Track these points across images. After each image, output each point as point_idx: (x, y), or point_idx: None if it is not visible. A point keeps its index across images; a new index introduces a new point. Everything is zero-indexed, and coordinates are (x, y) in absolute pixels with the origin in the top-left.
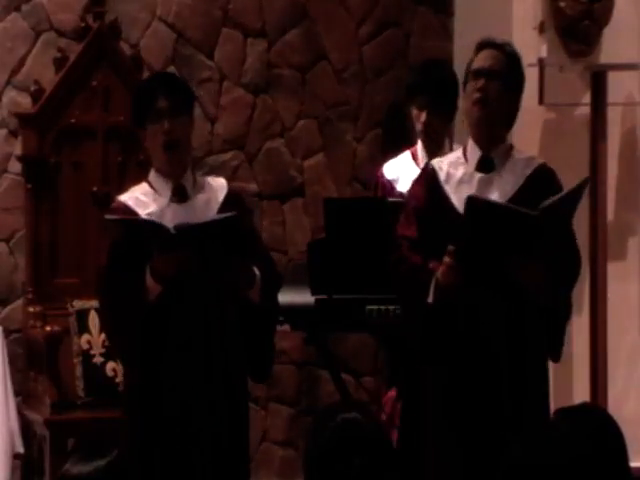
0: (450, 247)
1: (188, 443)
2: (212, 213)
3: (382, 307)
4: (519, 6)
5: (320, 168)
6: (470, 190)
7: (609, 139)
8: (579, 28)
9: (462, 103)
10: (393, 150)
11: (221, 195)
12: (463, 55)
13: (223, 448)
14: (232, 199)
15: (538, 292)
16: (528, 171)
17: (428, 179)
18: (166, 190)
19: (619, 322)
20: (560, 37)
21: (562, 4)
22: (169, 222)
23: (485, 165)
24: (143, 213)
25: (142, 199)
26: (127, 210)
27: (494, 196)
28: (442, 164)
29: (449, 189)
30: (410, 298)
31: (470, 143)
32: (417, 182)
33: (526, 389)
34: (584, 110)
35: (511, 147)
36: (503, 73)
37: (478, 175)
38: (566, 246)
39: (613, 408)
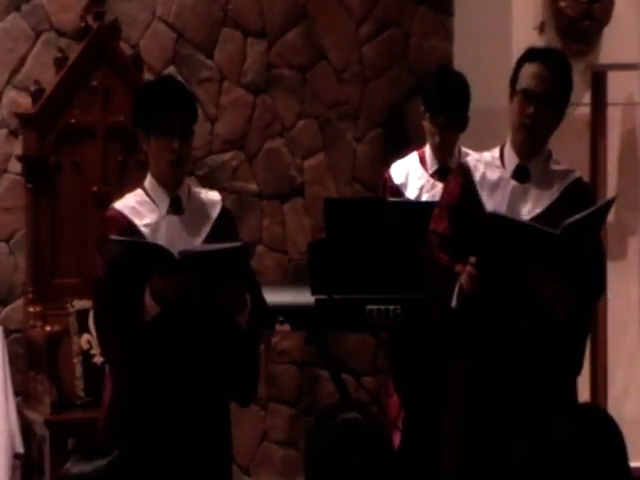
0: (472, 258)
1: (173, 462)
2: (206, 228)
3: (382, 307)
4: (519, 6)
5: (320, 168)
6: (503, 197)
7: (609, 139)
8: (579, 28)
9: (510, 110)
10: (393, 150)
11: (215, 211)
12: (463, 55)
13: (206, 459)
14: (225, 216)
15: (556, 305)
16: (563, 185)
17: (463, 177)
18: (163, 201)
19: (619, 322)
20: (560, 37)
21: (562, 4)
22: (163, 234)
23: (521, 174)
24: (140, 224)
25: (138, 209)
26: (123, 220)
27: (527, 207)
28: (479, 164)
29: (483, 192)
30: (434, 299)
31: (508, 147)
32: (453, 178)
33: (547, 394)
34: (584, 110)
35: (549, 155)
36: (555, 97)
37: (513, 183)
38: (591, 262)
39: (613, 408)
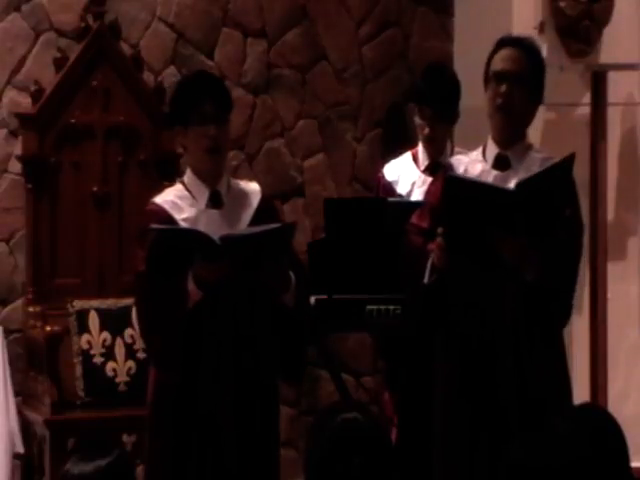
0: (439, 229)
1: (216, 445)
2: (246, 220)
3: (382, 307)
4: (519, 6)
5: (320, 168)
6: None
7: (609, 139)
8: (579, 28)
9: (486, 103)
10: (393, 150)
11: (255, 202)
12: (463, 55)
13: (251, 455)
14: (265, 206)
15: (523, 267)
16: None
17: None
18: (203, 195)
19: (619, 322)
20: (560, 37)
21: (562, 4)
22: (203, 228)
23: (501, 163)
24: (179, 218)
25: (178, 203)
26: (163, 214)
27: None
28: (461, 161)
29: None
30: (409, 280)
31: (489, 142)
32: (437, 179)
33: (534, 378)
34: (584, 110)
35: (530, 145)
36: (526, 76)
37: (494, 172)
38: (566, 232)
39: (613, 408)
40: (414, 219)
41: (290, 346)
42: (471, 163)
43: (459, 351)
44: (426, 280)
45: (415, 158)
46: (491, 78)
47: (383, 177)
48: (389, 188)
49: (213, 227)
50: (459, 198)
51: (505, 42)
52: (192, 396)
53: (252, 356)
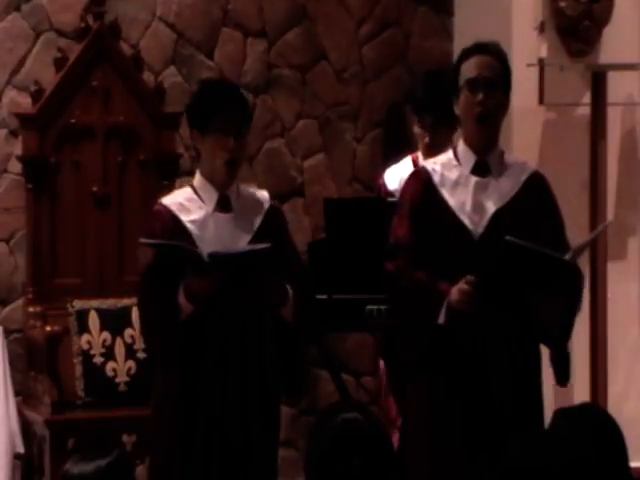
0: (469, 277)
1: (218, 454)
2: (253, 228)
3: (382, 307)
4: (519, 6)
5: (320, 168)
6: (467, 193)
7: (609, 139)
8: (579, 28)
9: (459, 111)
10: (394, 150)
11: (263, 210)
12: None
13: (253, 462)
14: (273, 214)
15: (554, 327)
16: (524, 177)
17: (422, 181)
18: (211, 199)
19: (619, 322)
20: (560, 37)
21: (562, 4)
22: (211, 231)
23: (481, 169)
24: (186, 219)
25: (186, 205)
26: (169, 215)
27: (492, 200)
28: (435, 166)
29: (445, 191)
30: (416, 317)
31: (462, 146)
32: (411, 183)
33: (520, 398)
34: (584, 110)
35: (502, 152)
36: (499, 81)
37: (474, 178)
38: (573, 278)
39: (613, 408)
40: (395, 230)
41: (289, 361)
42: (446, 168)
43: (449, 360)
44: (442, 320)
45: (416, 163)
46: (464, 87)
47: (384, 185)
48: (391, 197)
49: (222, 231)
50: (511, 261)
51: (475, 49)
52: (195, 401)
53: (258, 367)
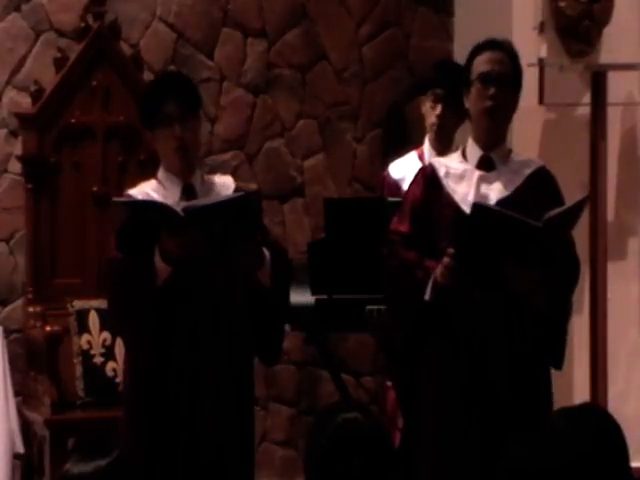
0: (449, 249)
1: (191, 430)
2: None
3: (382, 307)
4: (519, 6)
5: (320, 168)
6: (470, 185)
7: (609, 139)
8: (579, 28)
9: (469, 105)
10: (393, 150)
11: (228, 192)
12: (463, 55)
13: (227, 439)
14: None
15: (532, 298)
16: (528, 171)
17: (427, 175)
18: (175, 189)
19: (619, 322)
20: (560, 37)
21: (562, 4)
22: None
23: (486, 163)
24: None
25: (152, 195)
26: None
27: (494, 192)
28: (441, 162)
29: (449, 183)
30: (403, 294)
31: (470, 143)
32: (415, 181)
33: (525, 389)
34: (584, 110)
35: (509, 149)
36: (510, 78)
37: (478, 172)
38: (565, 255)
39: (613, 408)
40: (393, 225)
41: (267, 326)
42: (452, 163)
43: (450, 352)
44: (427, 297)
45: (421, 157)
46: (475, 81)
47: (389, 175)
48: (395, 186)
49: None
50: (482, 226)
51: (484, 46)
52: (166, 377)
53: (229, 335)
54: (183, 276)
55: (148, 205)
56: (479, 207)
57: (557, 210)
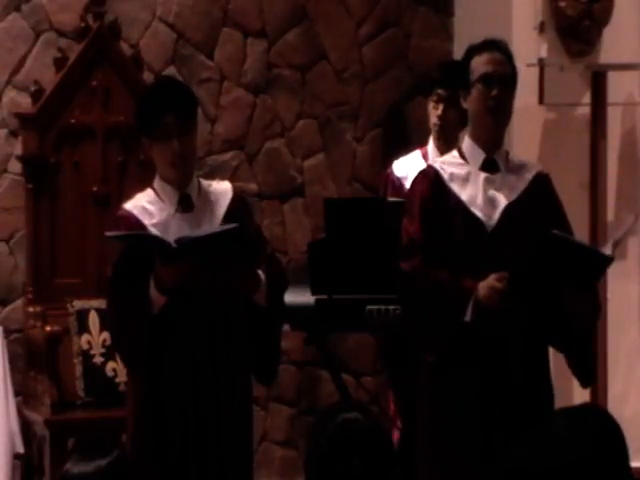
0: (502, 274)
1: (191, 449)
2: (217, 221)
3: (382, 307)
4: (519, 6)
5: (320, 168)
6: (477, 188)
7: (609, 139)
8: (579, 28)
9: (468, 106)
10: (393, 150)
11: (226, 201)
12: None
13: (227, 452)
14: (236, 203)
15: (586, 321)
16: (530, 175)
17: (431, 176)
18: (172, 199)
19: (619, 322)
20: (560, 37)
21: (562, 4)
22: (174, 232)
23: (490, 166)
24: (149, 223)
25: (148, 208)
26: (133, 219)
27: (502, 195)
28: (443, 165)
29: (455, 187)
30: (439, 315)
31: (469, 143)
32: (420, 181)
33: (535, 392)
34: (584, 110)
35: (507, 152)
36: (510, 78)
37: (483, 175)
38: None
39: (613, 408)
40: (405, 227)
41: (263, 345)
42: (453, 165)
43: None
44: (468, 318)
45: (425, 157)
46: (477, 82)
47: (392, 173)
48: (398, 184)
49: (184, 230)
50: (551, 255)
51: (484, 46)
52: (162, 403)
53: (228, 357)
54: (180, 304)
55: (140, 238)
56: (553, 236)
57: (618, 236)
